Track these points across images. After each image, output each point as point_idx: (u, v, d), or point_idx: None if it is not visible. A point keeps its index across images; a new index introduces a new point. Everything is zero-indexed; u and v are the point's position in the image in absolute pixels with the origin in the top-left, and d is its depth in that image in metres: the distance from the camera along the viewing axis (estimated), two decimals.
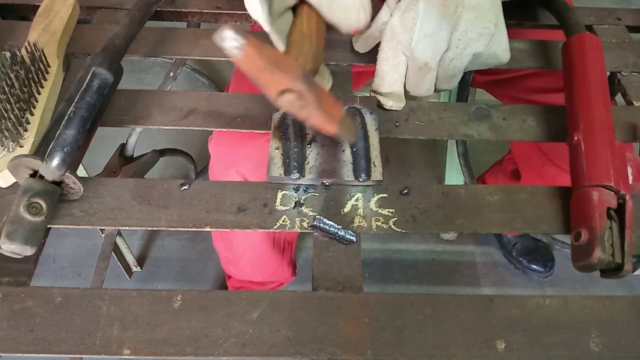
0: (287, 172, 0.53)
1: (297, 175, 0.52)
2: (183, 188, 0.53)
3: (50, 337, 0.43)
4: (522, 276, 1.33)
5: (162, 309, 0.45)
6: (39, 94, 0.56)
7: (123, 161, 0.84)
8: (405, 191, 0.53)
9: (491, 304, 0.46)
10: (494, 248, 1.38)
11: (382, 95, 0.59)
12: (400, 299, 0.46)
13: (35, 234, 0.45)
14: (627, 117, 0.61)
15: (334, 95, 0.52)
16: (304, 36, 0.55)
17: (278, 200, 0.52)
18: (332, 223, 0.49)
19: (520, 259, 1.32)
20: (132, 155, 0.87)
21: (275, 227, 0.50)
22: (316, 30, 0.57)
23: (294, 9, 0.60)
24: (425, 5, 0.53)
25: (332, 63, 0.67)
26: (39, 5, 0.67)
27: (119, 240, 1.20)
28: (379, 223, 0.51)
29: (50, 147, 0.46)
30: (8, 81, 0.54)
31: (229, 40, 0.42)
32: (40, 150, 0.49)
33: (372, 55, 0.61)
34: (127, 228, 0.50)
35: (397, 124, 0.60)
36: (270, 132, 0.56)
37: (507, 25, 0.58)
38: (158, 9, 0.69)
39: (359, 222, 0.50)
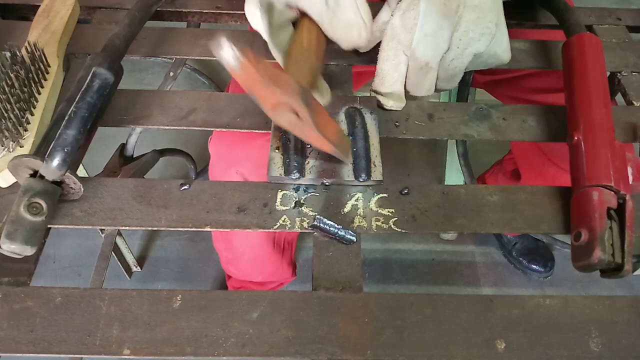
0: (287, 172, 0.53)
1: (297, 175, 0.52)
2: (183, 188, 0.53)
3: (50, 337, 0.43)
4: (522, 276, 1.33)
5: (162, 309, 0.45)
6: (39, 94, 0.56)
7: (123, 161, 0.84)
8: (405, 191, 0.53)
9: (491, 304, 0.46)
10: (494, 248, 1.38)
11: (382, 95, 0.59)
12: (400, 299, 0.46)
13: (36, 234, 0.45)
14: (627, 117, 0.61)
15: (331, 112, 0.52)
16: (303, 50, 0.55)
17: (278, 200, 0.52)
18: (332, 223, 0.49)
19: (520, 259, 1.32)
20: (132, 155, 0.88)
21: (275, 227, 0.50)
22: (316, 45, 0.57)
23: (296, 22, 0.60)
24: (426, 5, 0.53)
25: (332, 63, 0.67)
26: (39, 5, 0.67)
27: (119, 240, 1.20)
28: (379, 223, 0.51)
29: (51, 147, 0.46)
30: (8, 81, 0.54)
31: (226, 51, 0.42)
32: (41, 150, 0.49)
33: (372, 55, 0.61)
34: (127, 228, 0.50)
35: (397, 124, 0.60)
36: (270, 132, 0.56)
37: (508, 25, 0.58)
38: (158, 9, 0.69)
39: (359, 222, 0.50)
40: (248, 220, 0.50)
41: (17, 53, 0.57)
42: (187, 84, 1.75)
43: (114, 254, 1.17)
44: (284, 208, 0.51)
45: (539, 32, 0.78)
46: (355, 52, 0.66)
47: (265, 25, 0.54)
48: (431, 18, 0.53)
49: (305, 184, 0.53)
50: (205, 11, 0.75)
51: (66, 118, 0.48)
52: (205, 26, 0.79)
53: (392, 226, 0.50)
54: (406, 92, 0.60)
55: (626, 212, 0.47)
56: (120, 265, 1.25)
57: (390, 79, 0.58)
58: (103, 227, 0.57)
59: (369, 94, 0.61)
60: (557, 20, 0.67)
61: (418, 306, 0.46)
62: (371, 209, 0.52)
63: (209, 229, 0.50)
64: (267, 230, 0.50)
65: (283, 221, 0.50)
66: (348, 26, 0.56)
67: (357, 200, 0.52)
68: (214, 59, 0.67)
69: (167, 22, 0.76)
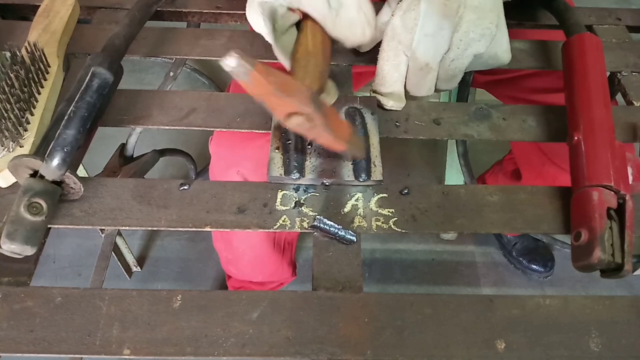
0: (287, 172, 0.53)
1: (297, 175, 0.52)
2: (183, 188, 0.53)
3: (50, 337, 0.43)
4: (522, 276, 1.33)
5: (162, 309, 0.45)
6: (39, 94, 0.56)
7: (123, 161, 0.84)
8: (405, 191, 0.53)
9: (491, 304, 0.46)
10: (494, 248, 1.38)
11: (382, 95, 0.59)
12: (400, 299, 0.46)
13: (36, 234, 0.45)
14: (627, 117, 0.61)
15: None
16: (309, 54, 0.55)
17: (278, 200, 0.52)
18: (332, 223, 0.49)
19: (520, 259, 1.32)
20: (132, 155, 0.88)
21: (275, 227, 0.50)
22: (321, 47, 0.57)
23: (298, 24, 0.60)
24: (426, 6, 0.53)
25: (332, 63, 0.67)
26: (39, 5, 0.67)
27: (119, 240, 1.20)
28: (379, 223, 0.51)
29: (51, 147, 0.46)
30: (8, 81, 0.54)
31: (236, 66, 0.42)
32: (41, 150, 0.49)
33: (372, 55, 0.61)
34: (127, 228, 0.50)
35: (397, 124, 0.60)
36: (270, 132, 0.56)
37: (508, 25, 0.58)
38: (158, 9, 0.69)
39: (359, 222, 0.50)
40: (248, 220, 0.50)
41: (17, 53, 0.57)
42: (187, 84, 1.75)
43: (114, 254, 1.17)
44: (284, 208, 0.51)
45: (539, 32, 0.78)
46: (356, 52, 0.66)
47: (269, 30, 0.54)
48: (432, 18, 0.53)
49: (305, 184, 0.53)
50: (205, 11, 0.75)
51: (66, 118, 0.48)
52: (205, 26, 0.79)
53: (392, 226, 0.50)
54: (406, 92, 0.60)
55: (626, 212, 0.47)
56: (120, 265, 1.25)
57: (390, 79, 0.58)
58: (103, 227, 0.57)
59: (369, 94, 0.61)
60: (557, 20, 0.67)
61: (418, 306, 0.46)
62: (371, 209, 0.52)
63: (209, 229, 0.50)
64: (267, 230, 0.50)
65: (283, 221, 0.50)
66: (351, 25, 0.56)
67: (357, 200, 0.52)
68: (214, 59, 0.68)
69: (167, 22, 0.76)
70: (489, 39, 0.55)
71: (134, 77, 1.76)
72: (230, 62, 0.42)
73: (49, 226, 0.49)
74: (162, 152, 0.90)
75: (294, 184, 0.53)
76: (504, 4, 0.57)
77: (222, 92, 0.64)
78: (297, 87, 0.47)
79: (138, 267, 1.31)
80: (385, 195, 0.53)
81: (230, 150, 0.80)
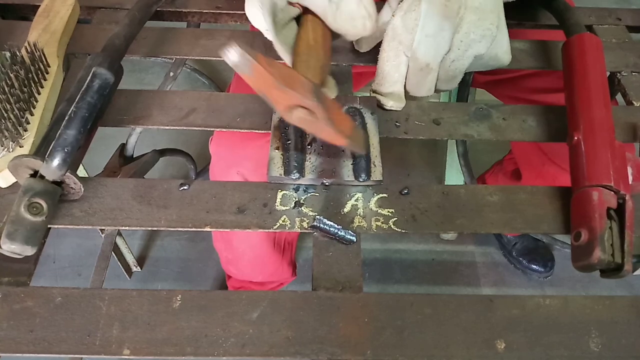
0: (287, 172, 0.53)
1: (297, 175, 0.52)
2: (183, 188, 0.53)
3: (50, 337, 0.43)
4: (522, 276, 1.33)
5: (162, 309, 0.45)
6: (39, 94, 0.56)
7: (123, 161, 0.84)
8: (405, 191, 0.53)
9: (491, 304, 0.46)
10: (494, 248, 1.38)
11: (382, 95, 0.59)
12: (400, 299, 0.46)
13: (36, 234, 0.45)
14: (627, 117, 0.61)
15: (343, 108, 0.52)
16: (310, 48, 0.55)
17: (278, 200, 0.52)
18: (332, 223, 0.49)
19: (520, 259, 1.32)
20: (132, 155, 0.88)
21: (275, 227, 0.50)
22: (322, 40, 0.56)
23: (298, 18, 0.60)
24: (427, 6, 0.53)
25: (332, 63, 0.67)
26: (39, 5, 0.67)
27: (119, 240, 1.20)
28: (379, 223, 0.51)
29: (51, 147, 0.46)
30: (8, 81, 0.54)
31: (236, 57, 0.42)
32: (41, 151, 0.49)
33: (372, 55, 0.61)
34: (127, 228, 0.50)
35: (397, 124, 0.60)
36: (270, 132, 0.56)
37: (508, 26, 0.58)
38: (158, 9, 0.69)
39: (359, 222, 0.50)
40: (248, 220, 0.50)
41: (17, 53, 0.57)
42: (187, 84, 1.75)
43: (114, 254, 1.17)
44: (283, 208, 0.51)
45: (539, 32, 0.78)
46: (356, 52, 0.66)
47: (269, 24, 0.54)
48: (432, 19, 0.53)
49: (305, 184, 0.53)
50: (205, 11, 0.75)
51: (66, 118, 0.48)
52: (205, 26, 0.79)
53: (392, 226, 0.50)
54: (406, 92, 0.60)
55: (626, 212, 0.47)
56: (120, 265, 1.25)
57: (390, 80, 0.58)
58: (103, 227, 0.57)
59: (369, 94, 0.61)
60: (557, 20, 0.67)
61: (418, 306, 0.46)
62: (371, 209, 0.52)
63: (209, 229, 0.50)
64: (267, 230, 0.50)
65: (283, 221, 0.50)
66: (352, 18, 0.56)
67: (357, 200, 0.52)
68: (214, 59, 0.68)
69: (167, 22, 0.76)
70: (490, 39, 0.55)
71: (134, 77, 1.76)
72: (232, 54, 0.42)
73: (49, 226, 0.49)
74: (162, 152, 0.90)
75: (294, 184, 0.53)
76: (504, 4, 0.57)
77: (222, 92, 0.64)
78: (299, 79, 0.46)
79: (138, 267, 1.31)
80: (385, 195, 0.53)
81: (230, 150, 0.80)
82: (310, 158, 0.54)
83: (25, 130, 0.53)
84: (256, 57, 0.43)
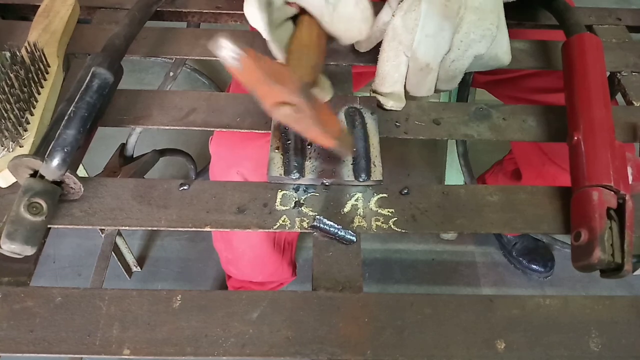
0: (287, 172, 0.53)
1: (297, 175, 0.52)
2: (183, 188, 0.53)
3: (50, 337, 0.43)
4: (522, 276, 1.33)
5: (162, 309, 0.45)
6: (39, 94, 0.56)
7: (123, 161, 0.84)
8: (405, 191, 0.53)
9: (491, 304, 0.46)
10: (494, 248, 1.38)
11: (382, 95, 0.59)
12: (400, 299, 0.46)
13: (36, 234, 0.45)
14: (627, 117, 0.61)
15: (332, 110, 0.52)
16: (303, 47, 0.55)
17: (278, 200, 0.52)
18: (332, 223, 0.49)
19: (520, 259, 1.32)
20: (132, 155, 0.88)
21: (275, 227, 0.50)
22: (317, 41, 0.56)
23: (295, 19, 0.60)
24: (427, 6, 0.53)
25: (332, 63, 0.67)
26: (39, 5, 0.67)
27: (119, 240, 1.20)
28: (379, 223, 0.51)
29: (51, 147, 0.46)
30: (8, 81, 0.54)
31: (226, 50, 0.42)
32: (41, 150, 0.49)
33: (372, 55, 0.61)
34: (127, 228, 0.50)
35: (397, 124, 0.60)
36: (270, 132, 0.56)
37: (508, 26, 0.58)
38: (158, 9, 0.69)
39: (359, 222, 0.50)
40: (248, 220, 0.50)
41: (17, 53, 0.57)
42: (187, 84, 1.75)
43: (114, 254, 1.17)
44: (283, 208, 0.51)
45: (539, 32, 0.78)
46: (356, 52, 0.66)
47: (264, 23, 0.54)
48: (432, 19, 0.53)
49: (305, 184, 0.53)
50: (205, 11, 0.75)
51: (66, 118, 0.48)
52: (205, 26, 0.79)
53: (392, 226, 0.50)
54: (406, 92, 0.60)
55: (626, 212, 0.47)
56: (120, 265, 1.25)
57: (390, 80, 0.58)
58: (103, 227, 0.57)
59: (369, 94, 0.61)
60: (557, 20, 0.67)
61: (418, 306, 0.46)
62: (371, 209, 0.52)
63: (209, 229, 0.50)
64: (267, 230, 0.50)
65: (283, 221, 0.50)
66: (348, 21, 0.56)
67: (357, 200, 0.52)
68: (214, 59, 0.68)
69: (167, 22, 0.76)
70: (490, 40, 0.55)
71: (134, 77, 1.76)
72: (222, 47, 0.42)
73: (49, 226, 0.49)
74: (162, 152, 0.90)
75: (294, 184, 0.53)
76: (504, 4, 0.57)
77: (222, 92, 0.64)
78: (287, 75, 0.46)
79: (138, 267, 1.31)
80: (385, 195, 0.53)
81: (230, 150, 0.80)
82: (310, 158, 0.54)
83: (25, 130, 0.53)
84: (246, 50, 0.43)
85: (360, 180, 0.52)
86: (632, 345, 0.44)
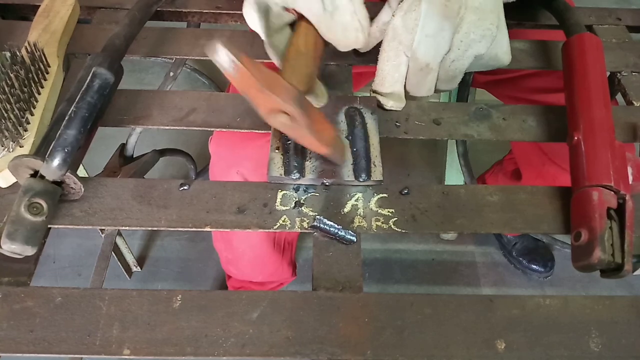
0: (287, 172, 0.53)
1: (297, 175, 0.52)
2: (183, 188, 0.53)
3: (50, 337, 0.43)
4: (522, 276, 1.33)
5: (162, 309, 0.45)
6: (39, 94, 0.56)
7: (123, 161, 0.84)
8: (405, 191, 0.53)
9: (491, 304, 0.46)
10: (494, 248, 1.38)
11: (382, 95, 0.59)
12: (400, 299, 0.46)
13: (36, 234, 0.45)
14: (627, 117, 0.61)
15: (326, 117, 0.52)
16: (300, 54, 0.55)
17: (278, 200, 0.52)
18: (332, 223, 0.49)
19: (520, 259, 1.32)
20: (132, 155, 0.88)
21: (275, 227, 0.50)
22: (313, 48, 0.56)
23: (293, 25, 0.60)
24: (427, 6, 0.53)
25: (332, 63, 0.67)
26: (39, 5, 0.67)
27: (119, 240, 1.20)
28: (379, 223, 0.51)
29: (51, 147, 0.46)
30: (8, 81, 0.54)
31: (221, 55, 0.42)
32: (41, 150, 0.49)
33: (372, 55, 0.61)
34: (127, 228, 0.50)
35: (397, 124, 0.60)
36: (270, 132, 0.56)
37: (508, 26, 0.58)
38: (158, 9, 0.69)
39: (359, 222, 0.50)
40: (248, 220, 0.50)
41: (17, 53, 0.57)
42: (187, 84, 1.75)
43: (114, 254, 1.17)
44: (284, 208, 0.51)
45: (539, 32, 0.78)
46: (356, 52, 0.66)
47: (262, 28, 0.54)
48: (432, 19, 0.53)
49: (305, 184, 0.53)
50: (205, 11, 0.75)
51: (66, 118, 0.48)
52: (205, 26, 0.79)
53: (392, 226, 0.50)
54: (406, 92, 0.60)
55: (626, 212, 0.47)
56: (120, 265, 1.25)
57: (390, 80, 0.58)
58: (103, 227, 0.57)
59: (369, 94, 0.61)
60: (557, 20, 0.67)
61: (418, 306, 0.46)
62: (371, 209, 0.52)
63: (209, 229, 0.50)
64: (267, 230, 0.50)
65: (283, 221, 0.50)
66: (345, 29, 0.56)
67: (357, 200, 0.52)
68: None
69: (167, 22, 0.76)
70: (490, 40, 0.55)
71: (134, 77, 1.76)
72: (216, 53, 0.42)
73: (49, 226, 0.49)
74: (162, 152, 0.90)
75: (294, 184, 0.53)
76: (504, 4, 0.57)
77: (222, 92, 0.64)
78: (282, 84, 0.47)
79: (138, 267, 1.31)
80: (385, 195, 0.53)
81: (230, 150, 0.80)
82: (310, 158, 0.54)
83: (26, 130, 0.53)
84: (240, 57, 0.43)
85: (361, 180, 0.52)
86: (632, 345, 0.44)
